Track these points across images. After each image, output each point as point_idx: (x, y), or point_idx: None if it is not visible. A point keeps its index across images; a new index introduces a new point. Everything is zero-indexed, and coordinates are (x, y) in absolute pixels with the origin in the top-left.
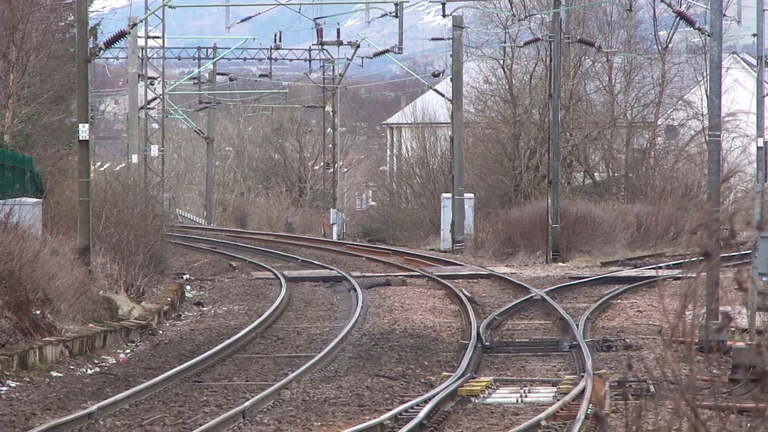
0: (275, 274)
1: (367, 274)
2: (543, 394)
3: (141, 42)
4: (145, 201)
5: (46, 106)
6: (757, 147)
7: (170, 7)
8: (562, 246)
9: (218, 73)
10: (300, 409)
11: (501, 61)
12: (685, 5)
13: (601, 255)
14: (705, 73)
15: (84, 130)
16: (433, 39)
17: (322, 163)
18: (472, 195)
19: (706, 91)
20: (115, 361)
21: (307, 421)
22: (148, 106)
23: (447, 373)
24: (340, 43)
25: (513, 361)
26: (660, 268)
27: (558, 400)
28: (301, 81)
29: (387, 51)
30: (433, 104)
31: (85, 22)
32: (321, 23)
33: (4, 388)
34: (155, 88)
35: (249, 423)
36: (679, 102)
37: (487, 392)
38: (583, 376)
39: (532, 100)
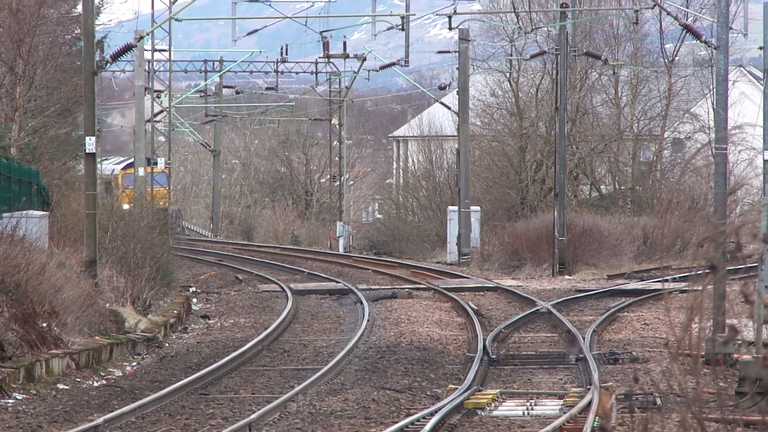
0: (281, 287)
1: (373, 287)
2: (549, 406)
3: (147, 55)
4: (152, 214)
5: (53, 119)
6: (764, 160)
7: (177, 20)
8: (569, 259)
9: (225, 86)
10: (306, 421)
11: (507, 74)
12: (691, 18)
13: (607, 268)
14: (711, 86)
15: (91, 143)
16: (439, 52)
17: (328, 176)
18: (478, 208)
19: (713, 104)
20: (121, 374)
21: None
22: (154, 119)
23: (453, 386)
24: (346, 56)
25: (519, 373)
26: (666, 281)
27: (564, 413)
28: (308, 94)
29: (393, 64)
30: (440, 117)
31: (92, 36)
32: (327, 36)
33: (10, 401)
34: (162, 101)
35: None
36: (686, 115)
37: (493, 405)
38: (589, 389)
39: (539, 113)
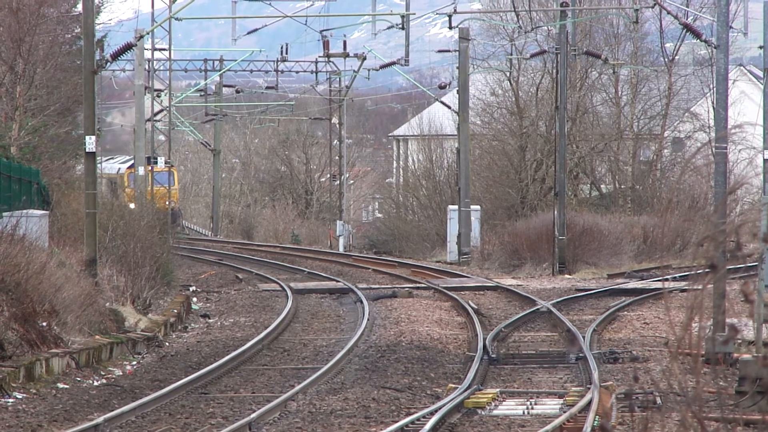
0: (282, 286)
1: (373, 286)
2: (549, 406)
3: (147, 54)
4: (152, 213)
5: (53, 118)
6: (764, 159)
7: (177, 19)
8: (569, 258)
9: (225, 85)
10: (306, 421)
11: (507, 73)
12: (691, 17)
13: (607, 267)
14: (711, 85)
15: (91, 142)
16: (439, 51)
17: (328, 175)
18: (478, 207)
19: (713, 103)
20: (121, 373)
21: None
22: (154, 118)
23: (453, 385)
24: (346, 55)
25: (519, 373)
26: (666, 280)
27: (564, 413)
28: (308, 93)
29: (393, 63)
30: (440, 116)
31: (92, 35)
32: (327, 35)
33: (10, 400)
34: (162, 100)
35: None
36: (686, 114)
37: (493, 404)
38: (589, 388)
39: (539, 112)
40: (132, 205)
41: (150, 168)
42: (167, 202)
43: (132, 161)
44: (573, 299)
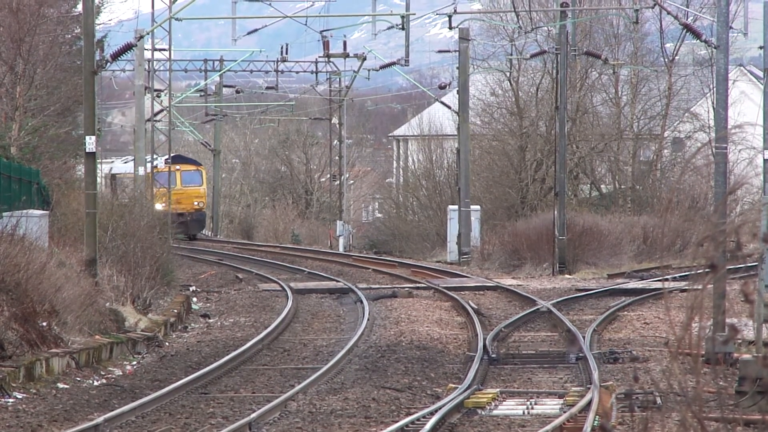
0: (282, 286)
1: (373, 286)
2: (549, 406)
3: (148, 54)
4: (152, 213)
5: (53, 119)
6: (764, 159)
7: (177, 19)
8: (569, 258)
9: (225, 86)
10: (306, 420)
11: (507, 74)
12: (691, 18)
13: (607, 267)
14: (711, 86)
15: (91, 143)
16: (439, 51)
17: (328, 175)
18: (478, 207)
19: (713, 103)
20: (121, 373)
21: None
22: (154, 119)
23: (453, 385)
24: (346, 56)
25: (519, 373)
26: (666, 280)
27: (564, 413)
28: (308, 93)
29: (393, 63)
30: (440, 116)
31: (92, 35)
32: (327, 35)
33: (10, 400)
34: (162, 101)
35: None
36: (686, 114)
37: (493, 404)
38: (589, 388)
39: (539, 113)
40: (158, 206)
41: (176, 167)
42: (198, 203)
43: (158, 161)
44: (573, 299)
